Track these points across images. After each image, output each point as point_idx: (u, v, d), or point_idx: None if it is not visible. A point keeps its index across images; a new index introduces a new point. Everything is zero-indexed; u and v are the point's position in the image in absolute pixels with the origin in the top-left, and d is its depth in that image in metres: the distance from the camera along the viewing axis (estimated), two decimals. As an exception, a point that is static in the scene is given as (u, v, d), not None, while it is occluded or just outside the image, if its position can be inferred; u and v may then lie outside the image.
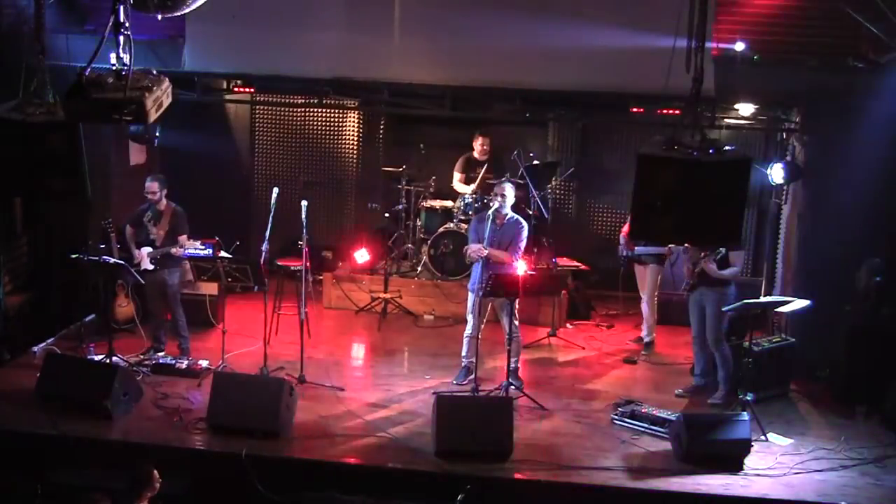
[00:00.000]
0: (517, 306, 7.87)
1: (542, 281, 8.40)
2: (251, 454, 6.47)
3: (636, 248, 9.22)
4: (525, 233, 7.93)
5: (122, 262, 8.14)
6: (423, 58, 8.82)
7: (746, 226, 10.49)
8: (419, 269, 10.58)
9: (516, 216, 8.05)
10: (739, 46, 8.45)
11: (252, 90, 10.46)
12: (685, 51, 5.00)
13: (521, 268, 7.99)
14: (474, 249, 7.93)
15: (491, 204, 8.11)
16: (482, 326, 8.02)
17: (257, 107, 11.59)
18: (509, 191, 7.94)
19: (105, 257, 8.10)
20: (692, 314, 8.08)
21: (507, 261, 7.84)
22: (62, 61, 6.35)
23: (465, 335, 8.09)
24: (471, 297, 8.03)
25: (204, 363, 8.16)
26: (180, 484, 6.29)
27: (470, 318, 8.03)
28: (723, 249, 7.66)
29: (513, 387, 7.71)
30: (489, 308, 8.13)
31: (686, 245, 8.10)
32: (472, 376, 7.86)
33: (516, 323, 7.93)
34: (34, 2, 5.48)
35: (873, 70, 8.13)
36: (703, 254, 7.77)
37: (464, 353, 8.10)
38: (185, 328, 8.50)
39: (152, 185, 8.30)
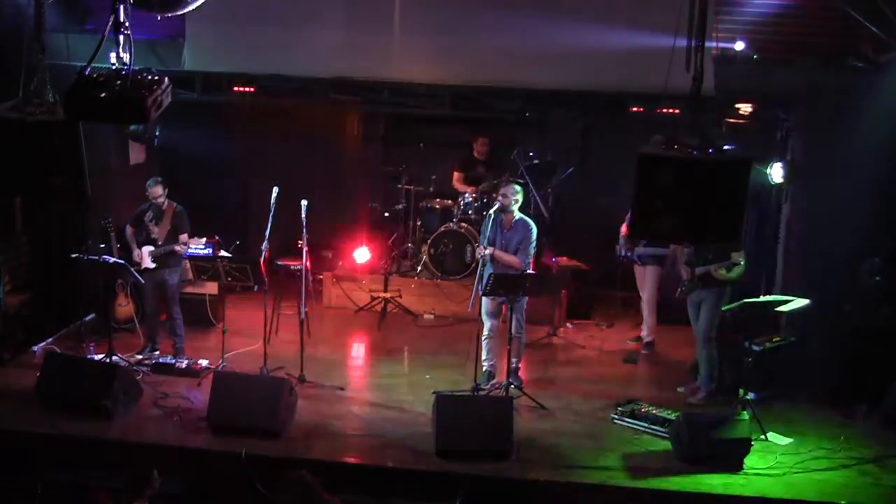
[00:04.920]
0: (524, 306, 7.87)
1: (542, 281, 8.38)
2: (251, 454, 6.47)
3: (637, 248, 9.23)
4: (533, 235, 7.82)
5: (122, 261, 8.14)
6: (423, 57, 8.82)
7: (746, 225, 10.46)
8: (419, 268, 10.59)
9: (524, 218, 7.95)
10: (739, 46, 8.45)
11: (252, 90, 10.45)
12: (685, 50, 5.00)
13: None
14: (478, 249, 7.93)
15: (492, 204, 8.10)
16: (498, 327, 8.00)
17: (257, 107, 11.57)
18: (514, 192, 7.84)
19: (105, 257, 8.11)
20: (691, 315, 8.08)
21: (516, 264, 7.75)
22: (62, 61, 6.34)
23: (482, 338, 8.00)
24: (484, 300, 7.96)
25: (204, 363, 8.16)
26: (180, 483, 6.29)
27: (485, 319, 8.01)
28: (741, 260, 7.63)
29: (513, 386, 7.71)
30: (503, 309, 8.03)
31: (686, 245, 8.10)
32: (494, 381, 7.89)
33: (522, 323, 7.93)
34: (34, 1, 5.47)
35: (873, 70, 8.12)
36: (710, 258, 7.76)
37: (483, 357, 7.99)
38: (181, 328, 8.50)
39: (156, 190, 8.30)
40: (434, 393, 7.59)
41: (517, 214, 7.89)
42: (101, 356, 8.05)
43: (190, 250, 8.46)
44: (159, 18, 5.83)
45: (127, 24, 4.91)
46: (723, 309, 7.79)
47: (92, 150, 5.39)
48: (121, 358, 8.07)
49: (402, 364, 8.92)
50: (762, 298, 8.67)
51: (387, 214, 11.06)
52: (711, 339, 7.92)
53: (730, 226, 4.95)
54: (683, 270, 8.01)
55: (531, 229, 7.84)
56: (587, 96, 9.06)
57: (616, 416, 7.47)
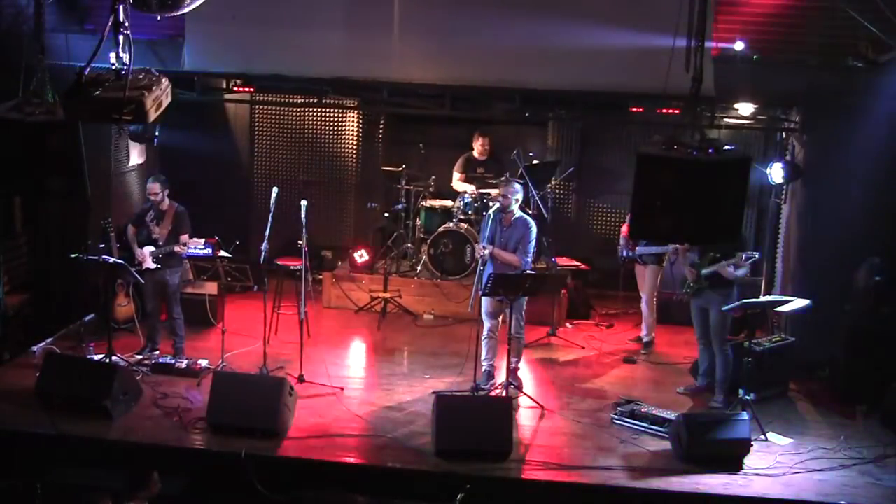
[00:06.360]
0: (524, 306, 7.88)
1: (542, 281, 8.37)
2: (251, 454, 6.47)
3: (637, 247, 9.24)
4: (533, 233, 7.79)
5: (121, 261, 8.14)
6: (423, 57, 8.81)
7: (747, 225, 10.48)
8: (419, 268, 10.59)
9: (524, 216, 7.93)
10: (739, 46, 8.45)
11: (252, 90, 10.46)
12: (685, 50, 5.00)
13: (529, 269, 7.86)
14: (477, 248, 7.93)
15: (491, 204, 8.09)
16: (498, 327, 8.01)
17: (257, 107, 11.59)
18: (514, 192, 7.80)
19: (105, 257, 8.10)
20: (695, 317, 8.04)
21: (515, 263, 7.74)
22: (62, 61, 6.35)
23: (482, 338, 8.01)
24: (484, 300, 7.95)
25: (203, 363, 8.16)
26: (179, 483, 6.29)
27: (485, 319, 8.02)
28: (748, 254, 7.62)
29: (513, 386, 7.71)
30: (503, 308, 8.01)
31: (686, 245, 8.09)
32: (494, 381, 7.91)
33: (522, 323, 7.93)
34: (34, 1, 5.48)
35: (873, 70, 8.13)
36: (716, 256, 7.70)
37: (483, 357, 7.99)
38: (181, 328, 8.50)
39: (154, 187, 8.31)
40: (434, 393, 7.59)
41: (517, 213, 7.89)
42: (100, 356, 8.04)
43: (190, 250, 8.46)
44: (159, 19, 5.83)
45: (126, 24, 4.91)
46: (722, 309, 7.78)
47: (92, 150, 5.40)
48: (121, 358, 8.07)
49: (402, 364, 8.92)
50: (762, 298, 8.69)
51: (386, 214, 11.07)
52: (725, 342, 7.88)
53: (730, 226, 4.95)
54: (688, 272, 7.98)
55: (530, 227, 7.83)
56: (587, 96, 9.06)
57: (616, 416, 7.47)
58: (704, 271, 7.76)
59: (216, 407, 6.93)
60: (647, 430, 7.23)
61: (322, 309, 10.35)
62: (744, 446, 6.74)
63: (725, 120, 9.66)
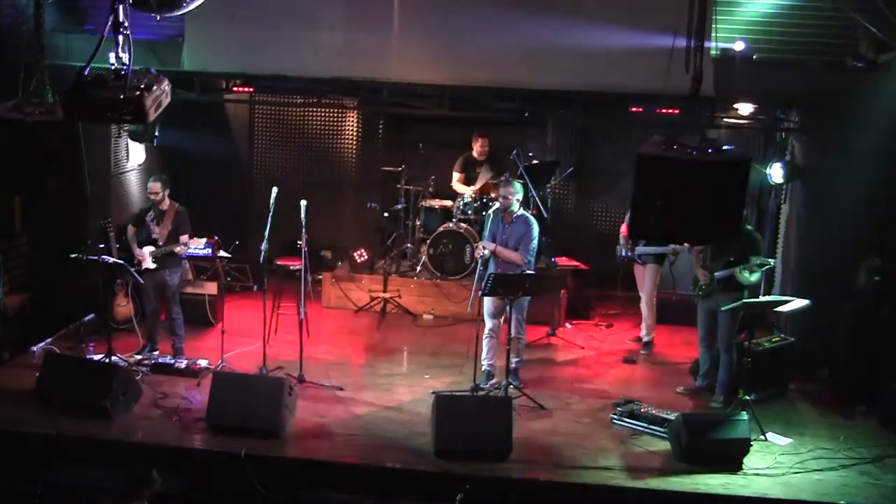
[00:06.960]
0: (526, 307, 7.87)
1: (542, 281, 8.37)
2: (251, 454, 6.47)
3: (636, 247, 9.24)
4: (535, 231, 7.80)
5: (121, 261, 8.14)
6: (423, 58, 8.81)
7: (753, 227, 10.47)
8: (418, 268, 10.59)
9: (526, 214, 7.95)
10: (739, 46, 8.45)
11: (252, 90, 10.46)
12: (685, 51, 5.01)
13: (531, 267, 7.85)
14: (478, 246, 7.92)
15: (491, 204, 8.09)
16: (500, 327, 8.01)
17: (257, 107, 11.59)
18: (514, 192, 7.80)
19: (104, 257, 8.10)
20: (701, 318, 8.03)
21: (517, 260, 7.76)
22: (62, 61, 6.36)
23: (483, 338, 8.02)
24: (486, 299, 7.95)
25: (203, 363, 8.16)
26: (179, 483, 6.29)
27: (486, 319, 8.02)
28: (762, 260, 7.62)
29: (512, 386, 7.71)
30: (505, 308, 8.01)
31: (688, 245, 8.08)
32: (494, 381, 7.90)
33: (523, 324, 7.94)
34: (34, 1, 5.48)
35: (872, 70, 8.12)
36: (730, 260, 7.69)
37: (483, 357, 8.01)
38: (181, 328, 8.50)
39: (154, 186, 8.31)
40: (433, 393, 7.59)
41: (519, 211, 7.89)
42: (100, 356, 8.04)
43: (189, 250, 8.46)
44: (158, 19, 5.83)
45: (126, 24, 4.91)
46: (722, 309, 7.78)
47: (92, 150, 5.41)
48: (120, 358, 8.07)
49: (402, 364, 8.92)
50: (762, 298, 8.68)
51: (386, 214, 11.07)
52: (732, 344, 7.88)
53: (729, 226, 4.95)
54: (700, 274, 7.96)
55: (532, 225, 7.83)
56: (587, 96, 9.06)
57: (615, 417, 7.47)
58: (717, 274, 7.75)
59: (216, 407, 6.93)
60: (646, 430, 7.23)
61: (322, 309, 10.35)
62: (743, 446, 6.74)
63: (725, 120, 9.65)
